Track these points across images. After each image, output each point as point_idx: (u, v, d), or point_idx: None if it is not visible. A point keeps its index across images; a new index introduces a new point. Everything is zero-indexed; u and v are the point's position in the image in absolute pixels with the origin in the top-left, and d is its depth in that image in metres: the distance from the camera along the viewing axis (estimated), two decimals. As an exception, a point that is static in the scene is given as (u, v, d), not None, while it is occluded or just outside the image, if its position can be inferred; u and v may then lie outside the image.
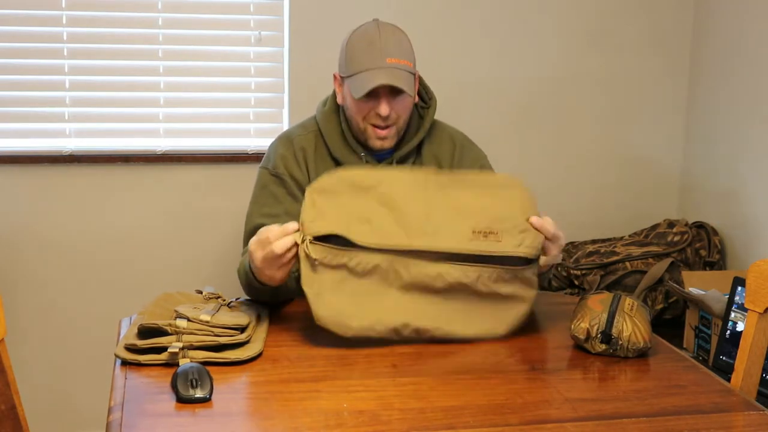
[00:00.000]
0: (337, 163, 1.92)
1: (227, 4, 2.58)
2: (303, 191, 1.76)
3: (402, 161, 1.94)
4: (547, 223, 1.65)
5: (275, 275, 1.59)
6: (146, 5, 2.53)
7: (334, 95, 1.96)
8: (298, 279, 1.59)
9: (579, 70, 2.78)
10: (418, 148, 1.96)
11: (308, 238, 1.54)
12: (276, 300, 1.76)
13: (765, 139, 2.49)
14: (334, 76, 1.93)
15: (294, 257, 1.56)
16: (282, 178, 1.91)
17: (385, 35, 1.85)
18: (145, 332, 1.50)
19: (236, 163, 2.62)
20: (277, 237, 1.54)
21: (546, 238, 1.64)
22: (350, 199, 1.60)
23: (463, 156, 1.98)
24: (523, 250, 1.59)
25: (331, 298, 1.56)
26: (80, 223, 2.59)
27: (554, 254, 1.67)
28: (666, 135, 2.88)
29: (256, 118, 2.67)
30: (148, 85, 2.58)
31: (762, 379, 1.65)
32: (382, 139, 1.88)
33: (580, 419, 1.33)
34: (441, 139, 1.99)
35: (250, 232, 1.82)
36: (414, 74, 1.87)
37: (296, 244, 1.54)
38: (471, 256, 1.58)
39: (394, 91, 1.83)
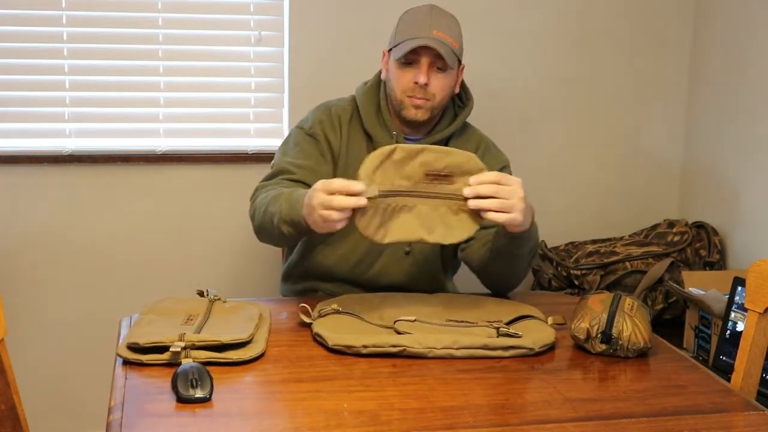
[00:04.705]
0: (369, 138, 1.99)
1: (227, 4, 2.58)
2: (334, 156, 1.96)
3: None
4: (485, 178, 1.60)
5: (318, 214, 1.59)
6: (146, 5, 2.53)
7: (377, 74, 2.04)
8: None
9: (578, 70, 2.78)
10: (446, 144, 2.02)
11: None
12: (280, 243, 1.96)
13: (765, 138, 2.49)
14: (383, 54, 2.01)
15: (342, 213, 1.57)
16: (317, 138, 1.98)
17: (437, 14, 1.93)
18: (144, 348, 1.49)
19: (236, 163, 2.62)
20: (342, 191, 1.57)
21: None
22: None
23: (484, 157, 2.01)
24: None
25: (339, 335, 1.57)
26: (80, 223, 2.59)
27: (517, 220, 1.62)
28: (666, 135, 2.88)
29: (256, 118, 2.67)
30: (148, 85, 2.58)
31: (762, 379, 1.65)
32: (416, 108, 1.92)
33: (580, 419, 1.33)
34: (469, 138, 2.06)
35: (276, 172, 1.95)
36: (458, 55, 1.93)
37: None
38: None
39: (434, 65, 1.89)
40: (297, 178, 1.91)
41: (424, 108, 1.93)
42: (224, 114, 2.65)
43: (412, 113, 1.93)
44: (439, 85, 1.92)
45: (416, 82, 1.90)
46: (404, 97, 1.93)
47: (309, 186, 1.85)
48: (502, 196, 1.59)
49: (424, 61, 1.89)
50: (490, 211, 1.59)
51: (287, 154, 1.98)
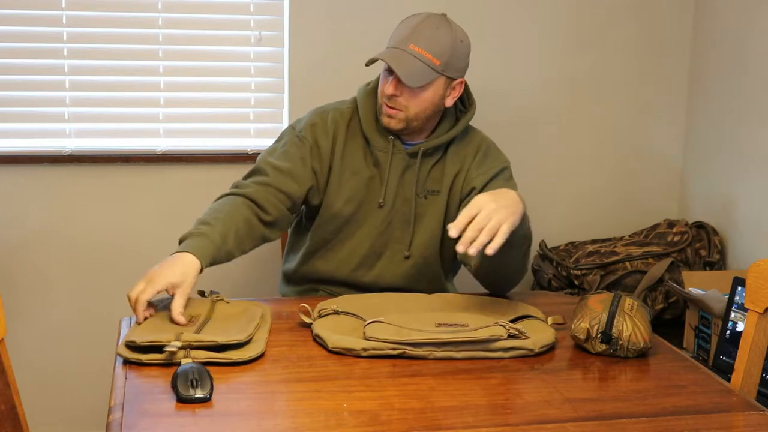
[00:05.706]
0: (367, 141, 1.98)
1: (227, 4, 2.58)
2: (323, 160, 1.95)
3: (428, 155, 1.99)
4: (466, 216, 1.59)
5: None
6: (146, 5, 2.53)
7: (378, 77, 2.02)
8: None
9: (578, 70, 2.78)
10: (446, 148, 2.01)
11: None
12: None
13: (765, 139, 2.48)
14: None
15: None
16: (303, 142, 1.98)
17: (426, 25, 1.90)
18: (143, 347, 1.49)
19: (236, 163, 2.62)
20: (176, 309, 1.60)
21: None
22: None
23: (484, 159, 2.02)
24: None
25: (339, 337, 1.57)
26: (80, 223, 2.59)
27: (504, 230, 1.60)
28: (666, 135, 2.88)
29: (256, 118, 2.67)
30: (148, 85, 2.58)
31: (762, 379, 1.65)
32: (388, 117, 1.93)
33: (580, 419, 1.33)
34: (470, 141, 2.05)
35: (253, 171, 1.96)
36: (435, 71, 1.88)
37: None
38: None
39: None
40: (268, 181, 1.92)
41: (396, 118, 1.92)
42: (224, 114, 2.64)
43: (385, 121, 1.94)
44: (412, 99, 1.90)
45: (384, 92, 1.91)
46: (382, 103, 1.94)
47: (279, 191, 1.91)
48: (482, 226, 1.57)
49: (396, 75, 1.88)
50: (485, 245, 1.57)
51: (272, 154, 1.99)
